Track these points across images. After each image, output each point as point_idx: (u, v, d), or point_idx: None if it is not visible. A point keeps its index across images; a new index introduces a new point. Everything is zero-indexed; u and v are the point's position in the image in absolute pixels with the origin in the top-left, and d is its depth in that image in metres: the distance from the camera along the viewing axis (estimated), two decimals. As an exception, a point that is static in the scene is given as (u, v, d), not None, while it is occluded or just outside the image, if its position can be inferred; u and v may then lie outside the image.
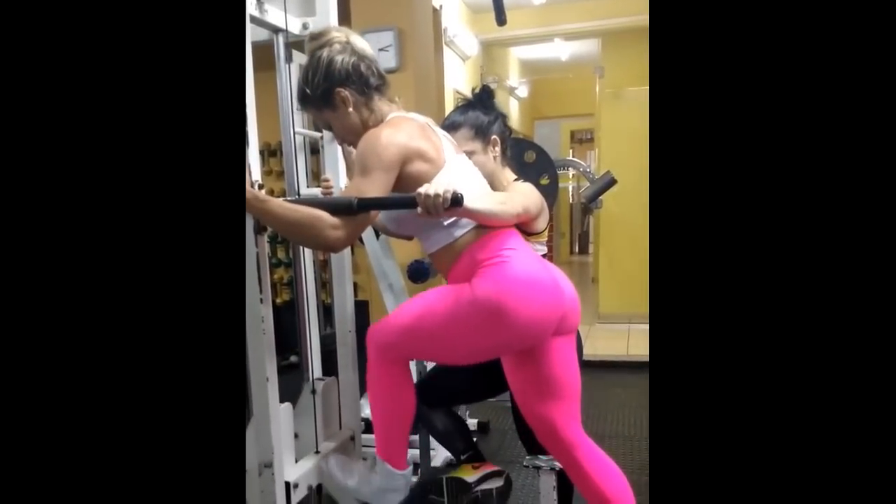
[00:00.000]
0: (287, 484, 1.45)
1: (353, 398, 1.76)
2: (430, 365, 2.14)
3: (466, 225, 1.36)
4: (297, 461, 1.57)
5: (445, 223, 1.34)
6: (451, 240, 1.36)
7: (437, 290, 1.38)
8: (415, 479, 2.03)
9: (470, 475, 1.55)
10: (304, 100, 1.41)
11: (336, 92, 1.36)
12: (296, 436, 1.60)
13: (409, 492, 1.55)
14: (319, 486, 1.68)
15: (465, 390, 1.73)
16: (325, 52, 1.37)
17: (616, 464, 1.46)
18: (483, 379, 1.60)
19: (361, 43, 1.41)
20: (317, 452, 1.63)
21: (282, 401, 1.48)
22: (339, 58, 1.36)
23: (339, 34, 1.40)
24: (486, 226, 1.36)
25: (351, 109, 1.37)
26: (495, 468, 1.59)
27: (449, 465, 2.22)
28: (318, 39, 1.39)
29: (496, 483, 1.56)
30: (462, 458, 1.65)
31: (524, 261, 1.34)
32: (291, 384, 1.84)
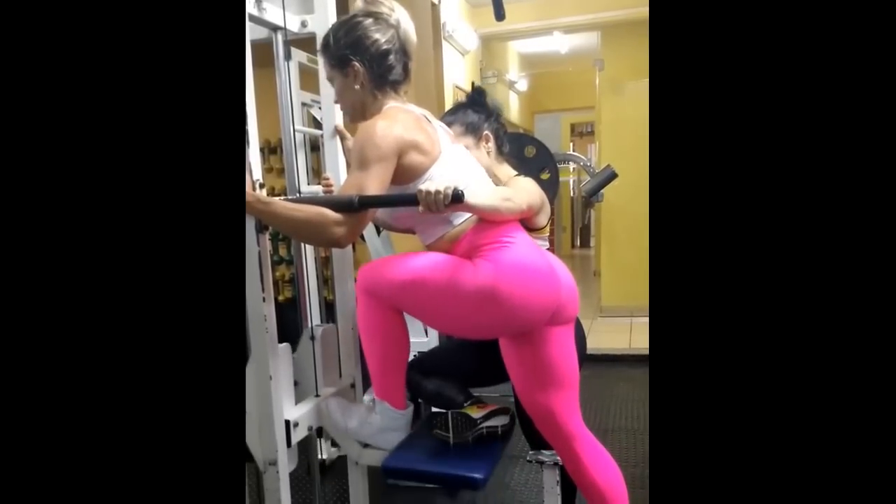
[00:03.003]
0: (287, 423, 1.44)
1: (352, 347, 1.74)
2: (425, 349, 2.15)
3: (465, 215, 1.36)
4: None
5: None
6: (449, 228, 1.37)
7: (439, 256, 1.36)
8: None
9: (475, 412, 1.56)
10: (325, 48, 1.40)
11: (352, 63, 1.35)
12: (295, 384, 1.59)
13: (416, 428, 1.55)
14: (320, 429, 1.67)
15: (462, 372, 1.71)
16: (368, 22, 1.36)
17: (618, 457, 1.46)
18: (480, 366, 1.61)
19: (409, 35, 1.39)
20: (317, 396, 1.62)
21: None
22: (375, 36, 1.35)
23: (394, 14, 1.38)
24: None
25: (357, 87, 1.37)
26: (500, 406, 1.60)
27: None
28: (374, 4, 1.37)
29: (502, 420, 1.57)
30: (466, 404, 1.65)
31: (522, 247, 1.34)
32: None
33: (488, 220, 1.36)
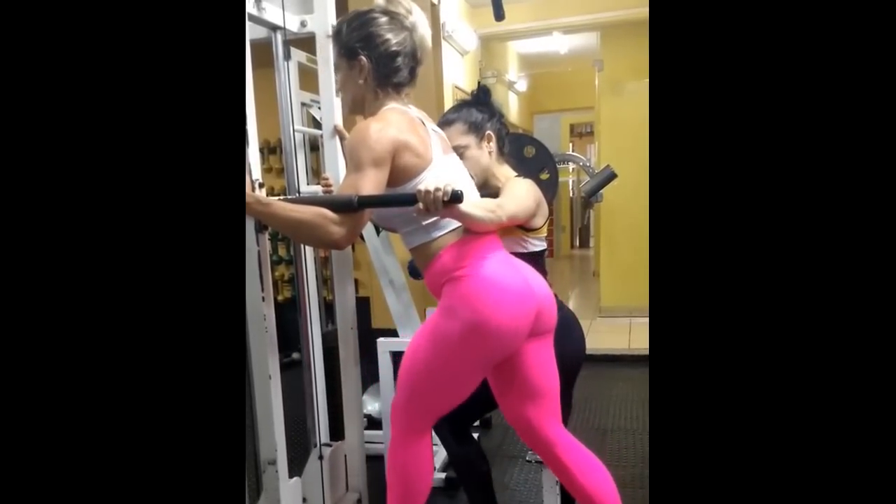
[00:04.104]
0: None
1: (359, 461, 1.78)
2: None
3: (444, 227, 1.35)
4: None
5: (424, 223, 1.34)
6: (428, 239, 1.36)
7: (413, 337, 1.40)
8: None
9: None
10: (336, 35, 1.41)
11: (359, 56, 1.35)
12: (304, 500, 1.61)
13: None
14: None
15: (482, 402, 1.72)
16: (383, 20, 1.36)
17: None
18: (475, 400, 1.61)
19: (423, 42, 1.40)
20: None
21: (284, 398, 1.49)
22: (387, 35, 1.35)
23: (411, 17, 1.38)
24: (465, 229, 1.35)
25: (360, 81, 1.37)
26: None
27: (449, 466, 2.22)
28: (393, 4, 1.37)
29: None
30: None
31: (490, 269, 1.33)
32: (293, 381, 1.84)
33: (471, 229, 1.35)
